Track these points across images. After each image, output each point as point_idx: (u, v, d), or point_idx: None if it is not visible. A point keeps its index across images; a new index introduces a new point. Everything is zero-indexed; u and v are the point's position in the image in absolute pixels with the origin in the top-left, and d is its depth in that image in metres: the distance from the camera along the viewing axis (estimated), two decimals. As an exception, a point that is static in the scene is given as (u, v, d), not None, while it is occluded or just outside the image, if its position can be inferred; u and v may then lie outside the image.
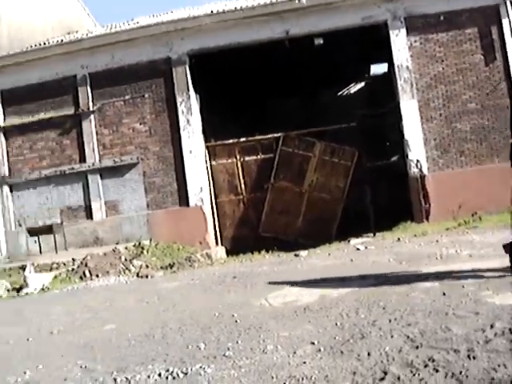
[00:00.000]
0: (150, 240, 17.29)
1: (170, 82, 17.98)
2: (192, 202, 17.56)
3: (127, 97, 18.33)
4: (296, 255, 12.49)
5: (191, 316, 7.42)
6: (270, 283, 9.03)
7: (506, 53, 16.57)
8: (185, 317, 7.42)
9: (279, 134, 17.95)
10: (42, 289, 12.02)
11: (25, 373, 5.85)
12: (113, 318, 8.00)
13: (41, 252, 17.65)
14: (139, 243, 16.59)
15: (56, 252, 17.04)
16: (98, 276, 12.49)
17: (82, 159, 18.50)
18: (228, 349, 5.68)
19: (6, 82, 19.43)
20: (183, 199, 17.69)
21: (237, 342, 5.86)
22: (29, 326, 8.25)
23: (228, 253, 17.40)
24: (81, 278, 12.64)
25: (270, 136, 18.11)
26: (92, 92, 18.59)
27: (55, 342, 7.06)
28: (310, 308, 6.90)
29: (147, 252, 15.67)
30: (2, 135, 19.32)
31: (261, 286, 8.94)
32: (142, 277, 12.05)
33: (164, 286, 10.33)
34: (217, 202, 18.18)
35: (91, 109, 18.45)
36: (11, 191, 19.20)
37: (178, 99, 17.81)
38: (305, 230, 17.42)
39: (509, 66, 16.54)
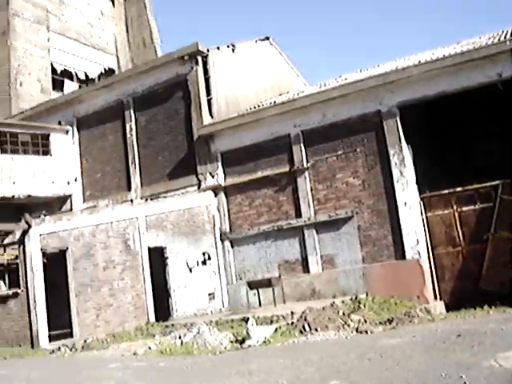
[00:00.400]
0: (367, 294, 17.20)
1: (382, 135, 18.03)
2: (408, 255, 17.23)
3: (340, 152, 18.66)
4: (525, 311, 11.68)
5: (416, 375, 7.19)
6: (497, 343, 8.50)
7: None
8: (410, 376, 7.21)
9: (497, 182, 17.05)
10: (264, 341, 12.36)
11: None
12: (335, 374, 8.00)
13: (260, 305, 18.25)
14: (356, 297, 16.57)
15: (274, 305, 17.52)
16: (317, 330, 12.60)
17: (298, 214, 19.07)
18: (459, 414, 5.41)
19: (225, 145, 20.85)
20: (399, 252, 17.42)
21: (468, 407, 5.57)
22: (254, 378, 8.50)
23: (447, 307, 16.71)
24: (300, 331, 12.83)
25: (487, 184, 17.25)
26: (305, 149, 19.23)
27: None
28: (548, 372, 6.37)
29: (364, 306, 15.57)
30: (223, 194, 20.62)
31: (488, 345, 8.43)
32: (361, 332, 11.95)
33: (384, 343, 10.14)
34: (434, 254, 17.58)
35: (305, 165, 19.03)
36: (232, 246, 20.31)
37: (391, 151, 17.76)
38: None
39: None
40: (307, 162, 19.09)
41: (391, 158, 17.76)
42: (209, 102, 21.91)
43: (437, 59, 17.60)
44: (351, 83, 19.07)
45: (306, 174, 19.08)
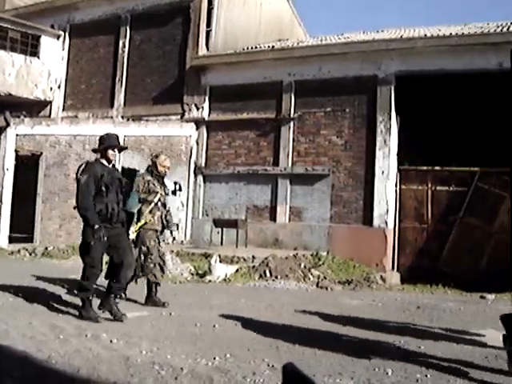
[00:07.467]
0: (327, 252, 17.41)
1: (373, 100, 17.99)
2: (375, 223, 17.47)
3: (328, 109, 18.60)
4: (482, 297, 11.93)
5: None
6: (455, 320, 8.71)
7: None
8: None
9: (476, 169, 17.25)
10: (224, 279, 12.50)
11: (214, 358, 6.09)
12: (294, 322, 8.12)
13: (222, 244, 18.38)
14: (317, 253, 16.75)
15: (236, 246, 17.66)
16: (277, 278, 12.76)
17: (276, 162, 19.07)
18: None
19: (216, 80, 20.57)
20: (367, 218, 17.64)
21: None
22: (215, 312, 8.58)
23: (402, 280, 17.04)
24: (261, 276, 12.99)
25: (465, 169, 17.43)
26: (295, 99, 19.10)
27: (239, 334, 7.31)
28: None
29: (323, 263, 15.77)
30: (205, 128, 20.44)
31: (446, 321, 8.63)
32: (321, 287, 12.15)
33: (346, 302, 10.30)
34: (400, 226, 17.86)
35: (292, 115, 18.94)
36: (204, 182, 20.25)
37: (379, 118, 17.77)
38: (489, 273, 16.55)
39: None
40: (294, 112, 19.00)
41: (378, 124, 17.78)
42: (207, 33, 21.51)
43: (443, 36, 17.54)
44: (353, 43, 18.96)
45: (291, 124, 19.01)
